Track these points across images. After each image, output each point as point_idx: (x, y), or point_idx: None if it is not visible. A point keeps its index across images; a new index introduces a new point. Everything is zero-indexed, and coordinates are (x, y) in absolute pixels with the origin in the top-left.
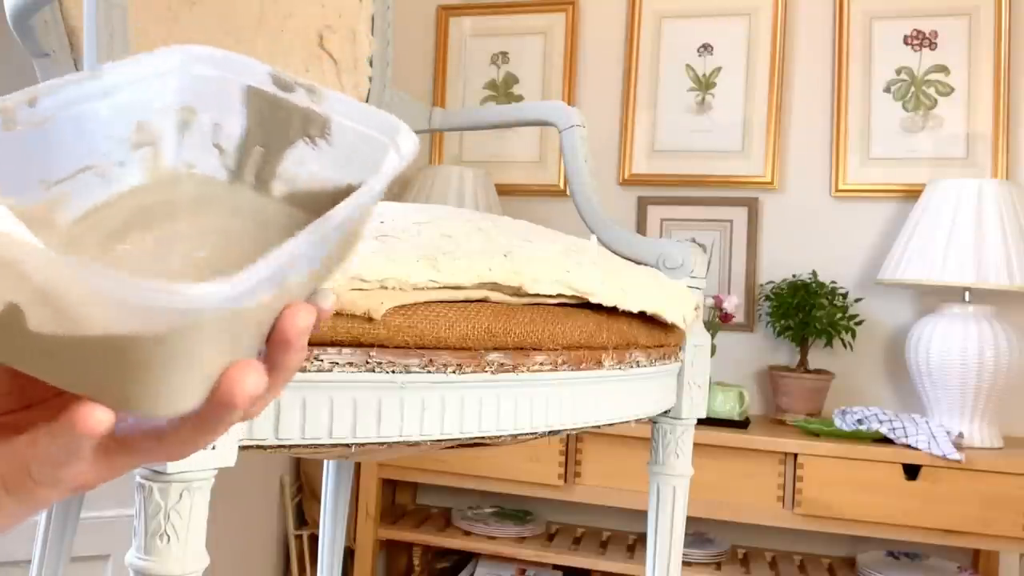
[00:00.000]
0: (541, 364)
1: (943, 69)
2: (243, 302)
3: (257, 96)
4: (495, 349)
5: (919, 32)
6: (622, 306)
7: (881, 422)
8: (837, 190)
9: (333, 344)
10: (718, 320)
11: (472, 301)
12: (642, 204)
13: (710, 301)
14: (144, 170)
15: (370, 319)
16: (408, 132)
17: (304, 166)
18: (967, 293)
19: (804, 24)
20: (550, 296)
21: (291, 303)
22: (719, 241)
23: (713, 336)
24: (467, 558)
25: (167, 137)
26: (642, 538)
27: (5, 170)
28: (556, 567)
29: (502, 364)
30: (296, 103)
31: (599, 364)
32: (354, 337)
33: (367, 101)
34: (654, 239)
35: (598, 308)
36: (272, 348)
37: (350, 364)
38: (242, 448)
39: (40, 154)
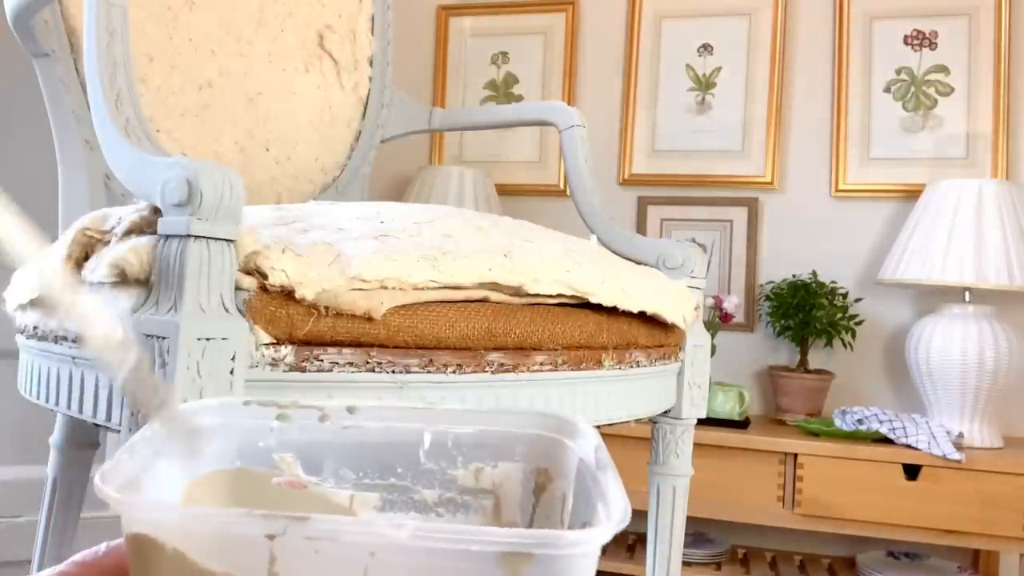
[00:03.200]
0: (541, 364)
1: (943, 69)
2: (157, 534)
3: (583, 470)
4: (495, 349)
5: (919, 32)
6: (622, 306)
7: (881, 422)
8: (837, 190)
9: (333, 344)
10: (718, 320)
11: (472, 301)
12: (642, 204)
13: (710, 301)
14: (478, 516)
15: (370, 319)
16: (622, 517)
17: None
18: (967, 293)
19: (804, 24)
20: (550, 296)
21: None
22: (719, 241)
23: (713, 336)
24: None
25: (514, 495)
26: (642, 538)
27: (311, 455)
28: None
29: (502, 364)
30: (602, 485)
31: (599, 364)
32: (354, 337)
33: (367, 101)
34: (654, 239)
35: (598, 308)
36: None
37: (350, 364)
38: None
39: (346, 451)
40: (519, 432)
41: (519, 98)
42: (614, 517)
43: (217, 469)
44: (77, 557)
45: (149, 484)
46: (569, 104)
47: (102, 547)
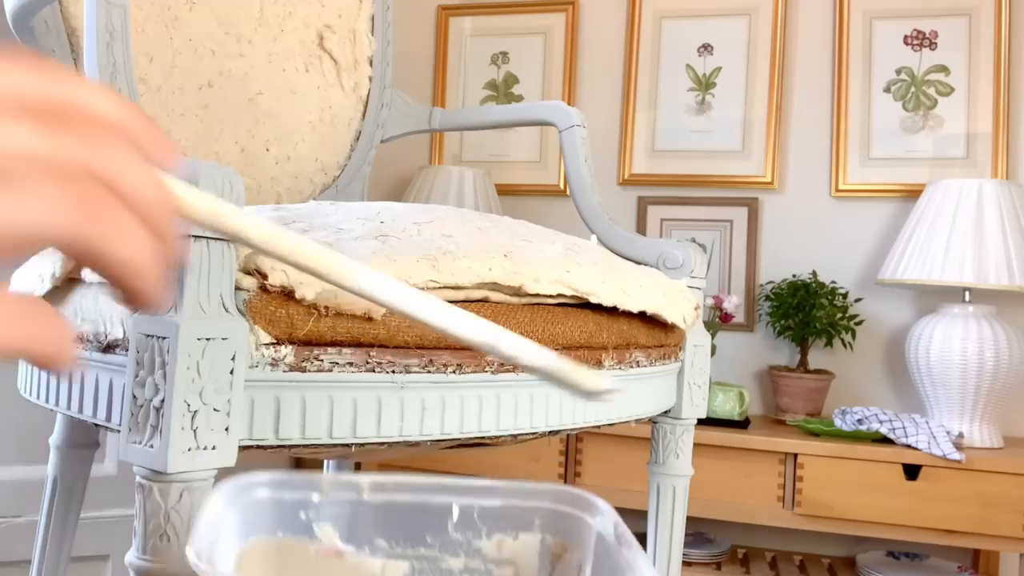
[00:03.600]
0: None
1: (943, 69)
2: None
3: (602, 544)
4: None
5: (919, 32)
6: (622, 306)
7: (881, 422)
8: (837, 190)
9: (333, 344)
10: (718, 320)
11: (472, 301)
12: (642, 204)
13: (710, 301)
14: None
15: (370, 319)
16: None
17: None
18: (967, 293)
19: (804, 24)
20: (550, 296)
21: None
22: (719, 241)
23: (713, 336)
24: None
25: (532, 565)
26: (642, 538)
27: (345, 523)
28: None
29: (502, 364)
30: (623, 557)
31: (599, 364)
32: (354, 337)
33: (367, 101)
34: (654, 239)
35: (598, 308)
36: None
37: (350, 364)
38: (242, 448)
39: (379, 522)
40: (538, 506)
41: (519, 98)
42: None
43: (263, 538)
44: None
45: (218, 554)
46: (569, 104)
47: None
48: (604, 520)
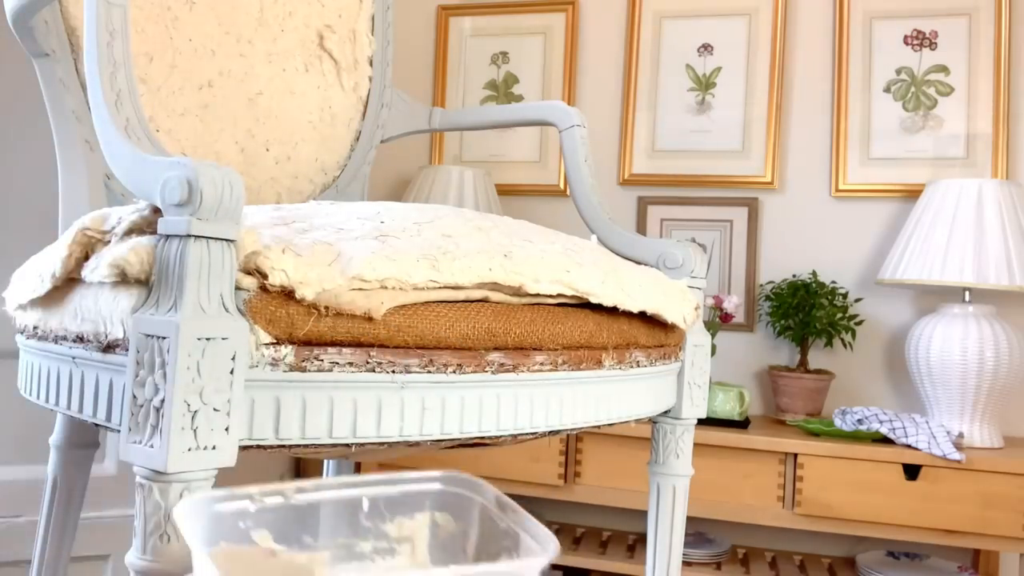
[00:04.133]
0: (541, 364)
1: (943, 69)
2: None
3: (486, 514)
4: (495, 349)
5: (919, 32)
6: (622, 306)
7: (881, 422)
8: (837, 190)
9: (333, 344)
10: (718, 320)
11: (472, 301)
12: (642, 204)
13: (710, 301)
14: (400, 558)
15: (370, 319)
16: (555, 543)
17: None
18: (967, 293)
19: (804, 24)
20: (550, 296)
21: None
22: (719, 241)
23: (713, 336)
24: None
25: (423, 538)
26: (642, 538)
27: (280, 527)
28: (556, 567)
29: (502, 364)
30: (507, 523)
31: (599, 364)
32: (354, 337)
33: (367, 101)
34: (654, 239)
35: (598, 308)
36: None
37: (350, 364)
38: (242, 448)
39: (304, 521)
40: (429, 489)
41: (519, 98)
42: (550, 548)
43: (210, 550)
44: None
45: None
46: (569, 104)
47: None
48: (486, 496)
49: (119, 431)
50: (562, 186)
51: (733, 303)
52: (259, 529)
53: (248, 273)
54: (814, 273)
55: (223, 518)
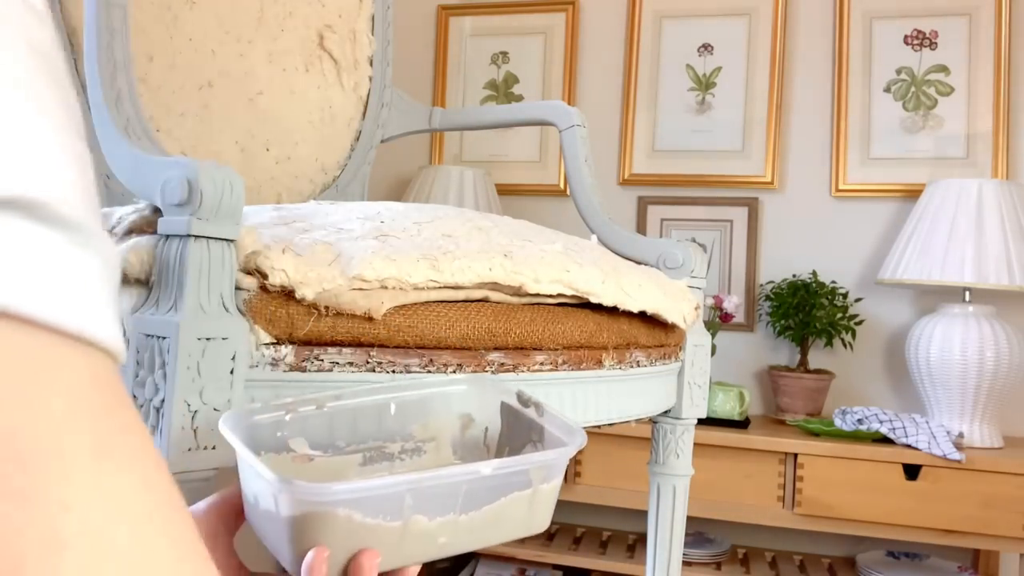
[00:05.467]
0: (541, 364)
1: (943, 69)
2: (339, 507)
3: (509, 411)
4: (495, 349)
5: (919, 32)
6: (622, 306)
7: (881, 422)
8: (837, 190)
9: (333, 344)
10: (718, 320)
11: (472, 301)
12: (642, 204)
13: (710, 301)
14: (426, 457)
15: (370, 319)
16: (581, 433)
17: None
18: (967, 293)
19: (804, 24)
20: (550, 296)
21: (371, 549)
22: (719, 241)
23: (713, 336)
24: (467, 558)
25: (447, 436)
26: (642, 538)
27: (314, 435)
28: (556, 567)
29: (502, 364)
30: (530, 416)
31: (599, 364)
32: (354, 337)
33: (367, 101)
34: (654, 239)
35: (598, 308)
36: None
37: (350, 364)
38: None
39: (337, 427)
40: (453, 390)
41: (519, 98)
42: (577, 435)
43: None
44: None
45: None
46: (569, 104)
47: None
48: (509, 392)
49: None
50: (562, 186)
51: (733, 303)
52: (296, 437)
53: (248, 273)
54: (814, 273)
55: (262, 428)
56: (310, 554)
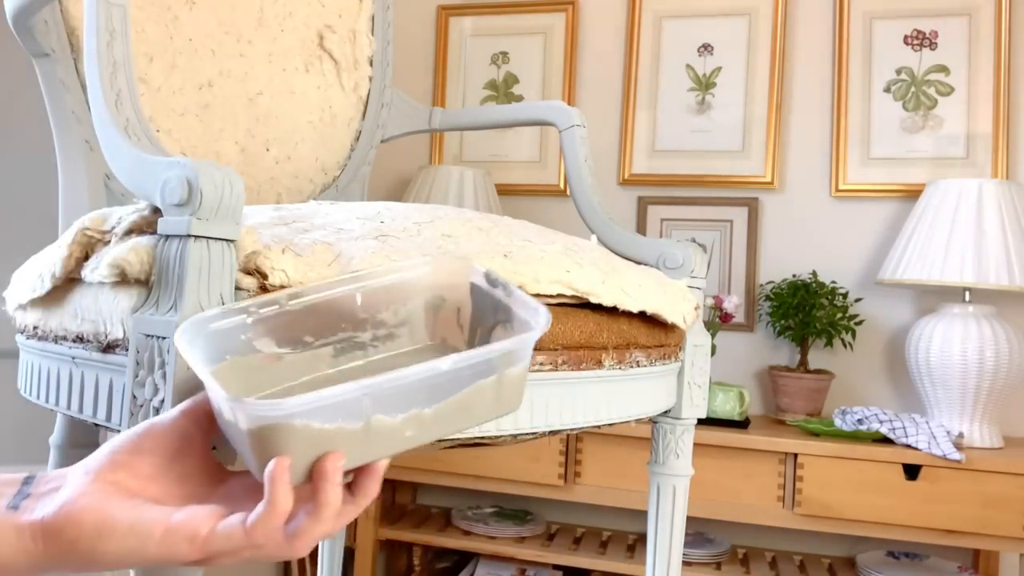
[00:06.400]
0: (541, 364)
1: (943, 69)
2: (295, 419)
3: (478, 291)
4: None
5: (919, 32)
6: (622, 306)
7: (881, 422)
8: (837, 190)
9: None
10: (718, 320)
11: None
12: (642, 204)
13: (710, 301)
14: (400, 341)
15: None
16: (546, 314)
17: (497, 341)
18: (967, 293)
19: (804, 24)
20: (550, 296)
21: (335, 451)
22: (719, 241)
23: (713, 336)
24: (467, 558)
25: (420, 319)
26: (642, 538)
27: (280, 334)
28: (556, 567)
29: None
30: (497, 297)
31: (599, 364)
32: None
33: (367, 101)
34: (654, 239)
35: (598, 308)
36: (312, 479)
37: None
38: None
39: (303, 324)
40: (419, 274)
41: (519, 98)
42: (541, 318)
43: (219, 366)
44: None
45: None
46: (569, 104)
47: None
48: (476, 273)
49: (119, 431)
50: (562, 186)
51: (733, 303)
52: (261, 338)
53: (248, 273)
54: (814, 273)
55: (224, 334)
56: (271, 464)
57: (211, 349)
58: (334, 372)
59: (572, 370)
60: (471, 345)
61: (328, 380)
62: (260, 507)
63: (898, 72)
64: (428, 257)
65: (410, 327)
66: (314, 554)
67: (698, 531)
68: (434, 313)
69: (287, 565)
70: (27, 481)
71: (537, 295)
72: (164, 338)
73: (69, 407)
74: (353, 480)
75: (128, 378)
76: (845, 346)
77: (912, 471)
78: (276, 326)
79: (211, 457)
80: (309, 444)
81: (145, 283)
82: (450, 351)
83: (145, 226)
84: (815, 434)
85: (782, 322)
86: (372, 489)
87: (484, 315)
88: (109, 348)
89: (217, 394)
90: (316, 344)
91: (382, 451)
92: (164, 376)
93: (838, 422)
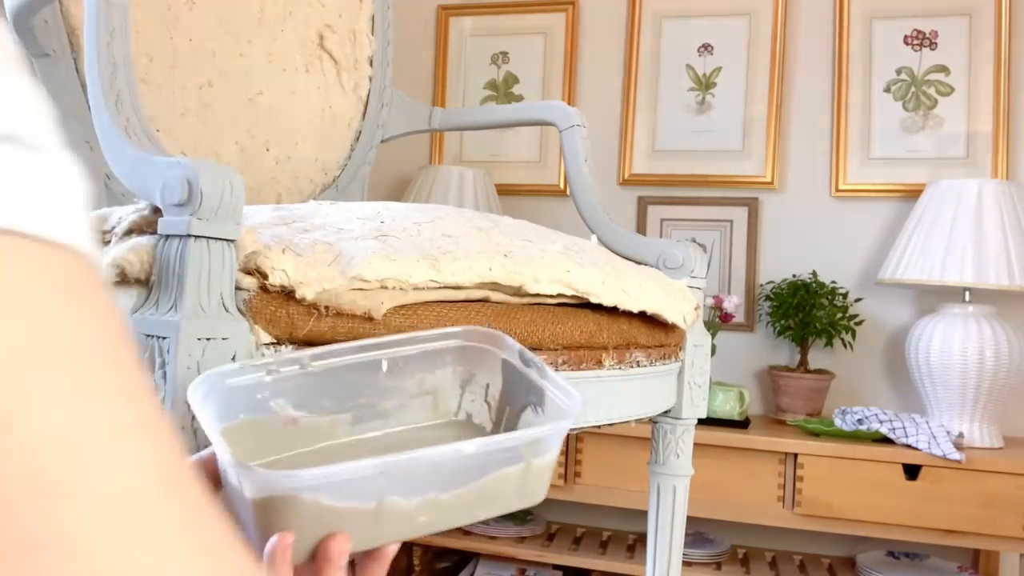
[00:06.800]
0: None
1: (943, 69)
2: (304, 492)
3: (510, 368)
4: None
5: (919, 32)
6: (622, 306)
7: (881, 422)
8: (837, 190)
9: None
10: (718, 320)
11: (472, 301)
12: (642, 204)
13: (710, 301)
14: (423, 412)
15: (370, 319)
16: (580, 399)
17: (527, 424)
18: (967, 293)
19: (804, 24)
20: (550, 296)
21: (342, 532)
22: (719, 241)
23: (713, 336)
24: (467, 558)
25: (447, 391)
26: (642, 538)
27: (298, 396)
28: (556, 567)
29: None
30: (531, 378)
31: (599, 364)
32: (354, 337)
33: (367, 101)
34: (654, 239)
35: (598, 308)
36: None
37: None
38: None
39: (323, 387)
40: (449, 345)
41: (519, 98)
42: (575, 406)
43: (230, 424)
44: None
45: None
46: (569, 104)
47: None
48: (509, 349)
49: None
50: (562, 186)
51: (733, 303)
52: (277, 398)
53: (248, 273)
54: (814, 273)
55: (240, 391)
56: (273, 539)
57: (225, 405)
58: (350, 441)
59: (572, 370)
60: (498, 425)
61: (342, 450)
62: None
63: (898, 72)
64: (459, 328)
65: (435, 399)
66: None
67: (698, 531)
68: (462, 387)
69: None
70: None
71: (537, 295)
72: (164, 338)
73: None
74: (358, 564)
75: None
76: (845, 346)
77: (912, 471)
78: (295, 387)
79: None
80: (315, 521)
81: (145, 283)
82: (475, 429)
83: (145, 226)
84: (815, 434)
85: (782, 322)
86: (378, 575)
87: (515, 394)
88: None
89: (224, 458)
90: (335, 409)
91: (391, 535)
92: (164, 376)
93: (838, 422)
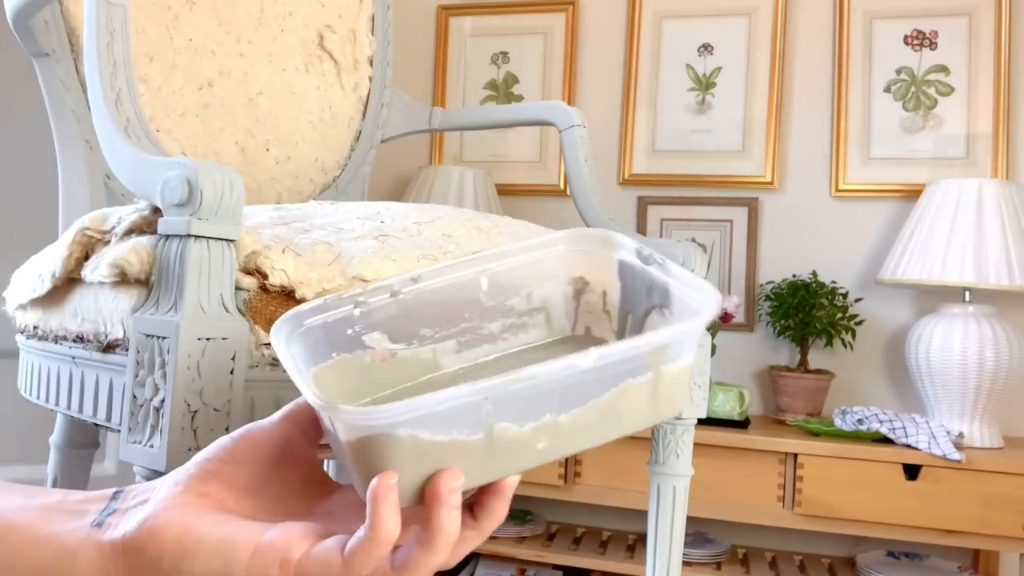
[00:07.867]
0: None
1: (943, 69)
2: (399, 429)
3: (627, 269)
4: None
5: (919, 32)
6: None
7: (881, 422)
8: (837, 190)
9: None
10: (718, 320)
11: None
12: (642, 204)
13: None
14: (536, 331)
15: None
16: (714, 295)
17: (652, 330)
18: (967, 293)
19: (804, 24)
20: None
21: (451, 468)
22: (719, 241)
23: (713, 336)
24: (467, 558)
25: (559, 305)
26: (642, 538)
27: (391, 327)
28: (556, 567)
29: None
30: (653, 276)
31: None
32: None
33: (367, 101)
34: (654, 239)
35: None
36: (425, 501)
37: None
38: None
39: (420, 315)
40: (555, 252)
41: (519, 98)
42: (709, 300)
43: (323, 366)
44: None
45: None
46: (569, 104)
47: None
48: (624, 249)
49: (119, 431)
50: (562, 186)
51: (733, 303)
52: (371, 332)
53: (248, 273)
54: (814, 273)
55: (329, 328)
56: (374, 481)
57: (315, 346)
58: (458, 370)
59: None
60: (621, 335)
61: (451, 380)
62: (361, 532)
63: (898, 72)
64: (564, 232)
65: (547, 315)
66: None
67: (698, 531)
68: (575, 298)
69: None
70: (115, 496)
71: None
72: (164, 338)
73: (69, 407)
74: (476, 500)
75: (128, 378)
76: (845, 346)
77: (912, 471)
78: (388, 318)
79: (316, 468)
80: (417, 459)
81: (145, 283)
82: (596, 343)
83: (145, 226)
84: (815, 434)
85: (782, 322)
86: (499, 512)
87: (636, 298)
88: (109, 348)
89: (309, 399)
90: (436, 338)
91: (508, 467)
92: (164, 376)
93: (838, 422)
